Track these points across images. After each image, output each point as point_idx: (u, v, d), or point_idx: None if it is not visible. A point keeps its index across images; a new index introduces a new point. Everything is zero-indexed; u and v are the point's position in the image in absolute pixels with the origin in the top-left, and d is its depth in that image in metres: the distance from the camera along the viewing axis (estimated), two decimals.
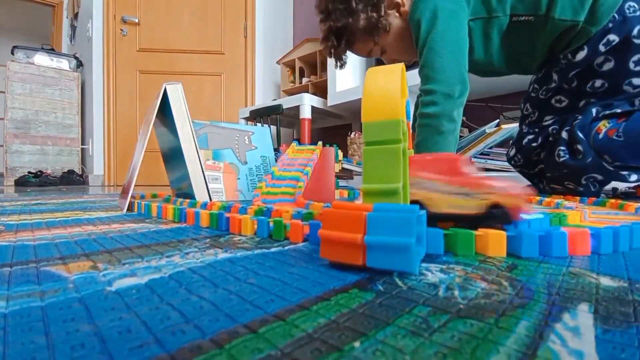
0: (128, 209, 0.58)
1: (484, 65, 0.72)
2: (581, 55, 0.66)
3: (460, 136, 1.33)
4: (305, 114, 1.78)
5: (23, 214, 0.55)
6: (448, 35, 0.61)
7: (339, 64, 0.80)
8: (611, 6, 0.62)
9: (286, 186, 0.63)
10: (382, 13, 0.69)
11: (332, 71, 1.74)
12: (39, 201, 0.83)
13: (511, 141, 0.91)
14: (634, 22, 0.62)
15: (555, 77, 0.73)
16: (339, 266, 0.23)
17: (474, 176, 0.33)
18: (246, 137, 0.88)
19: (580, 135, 0.67)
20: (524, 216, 0.34)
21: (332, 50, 0.75)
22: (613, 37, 0.63)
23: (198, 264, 0.24)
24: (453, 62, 0.60)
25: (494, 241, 0.27)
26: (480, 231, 0.27)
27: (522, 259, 0.25)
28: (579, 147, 0.67)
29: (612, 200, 0.60)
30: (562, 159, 0.70)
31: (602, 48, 0.64)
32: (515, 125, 1.20)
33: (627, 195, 0.81)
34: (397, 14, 0.71)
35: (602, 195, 0.77)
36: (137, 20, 2.34)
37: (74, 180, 2.32)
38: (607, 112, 0.66)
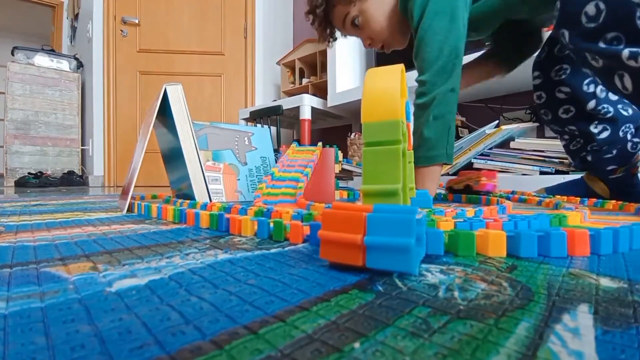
0: (128, 210, 0.58)
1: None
2: None
3: (460, 137, 1.33)
4: (305, 114, 1.78)
5: (23, 215, 0.55)
6: (436, 23, 0.60)
7: (324, 38, 0.78)
8: None
9: (286, 187, 0.63)
10: None
11: (332, 72, 1.75)
12: (39, 202, 0.83)
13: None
14: None
15: None
16: (339, 267, 0.23)
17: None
18: (246, 138, 0.88)
19: None
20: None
21: (316, 15, 0.73)
22: None
23: (198, 265, 0.24)
24: (442, 52, 0.60)
25: (494, 241, 0.27)
26: (481, 231, 0.27)
27: (522, 259, 0.25)
28: None
29: (613, 202, 0.60)
30: None
31: None
32: (515, 125, 1.21)
33: None
34: None
35: None
36: (137, 21, 2.34)
37: (74, 181, 2.32)
38: None
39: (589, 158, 0.76)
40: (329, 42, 0.80)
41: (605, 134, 0.72)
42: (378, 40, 0.73)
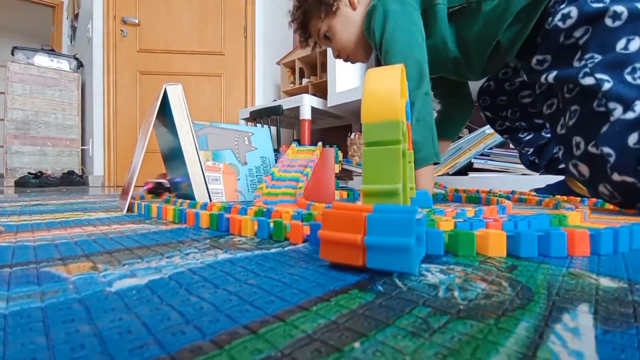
0: (128, 210, 0.58)
1: (446, 54, 0.70)
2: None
3: (460, 136, 1.33)
4: (305, 114, 1.78)
5: (23, 215, 0.55)
6: (397, 35, 0.65)
7: (306, 44, 0.85)
8: None
9: (286, 187, 0.63)
10: None
11: (332, 72, 1.75)
12: (39, 202, 0.83)
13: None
14: None
15: None
16: (339, 267, 0.23)
17: None
18: (246, 138, 0.88)
19: None
20: None
21: (295, 24, 0.81)
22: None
23: (198, 264, 0.24)
24: (407, 60, 0.64)
25: (494, 241, 0.27)
26: (481, 231, 0.27)
27: (522, 259, 0.25)
28: None
29: None
30: None
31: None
32: None
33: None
34: (347, 3, 0.75)
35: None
36: (137, 21, 2.34)
37: (74, 181, 2.32)
38: None
39: (537, 160, 0.85)
40: (312, 49, 0.88)
41: (529, 137, 0.83)
42: (344, 53, 0.80)
